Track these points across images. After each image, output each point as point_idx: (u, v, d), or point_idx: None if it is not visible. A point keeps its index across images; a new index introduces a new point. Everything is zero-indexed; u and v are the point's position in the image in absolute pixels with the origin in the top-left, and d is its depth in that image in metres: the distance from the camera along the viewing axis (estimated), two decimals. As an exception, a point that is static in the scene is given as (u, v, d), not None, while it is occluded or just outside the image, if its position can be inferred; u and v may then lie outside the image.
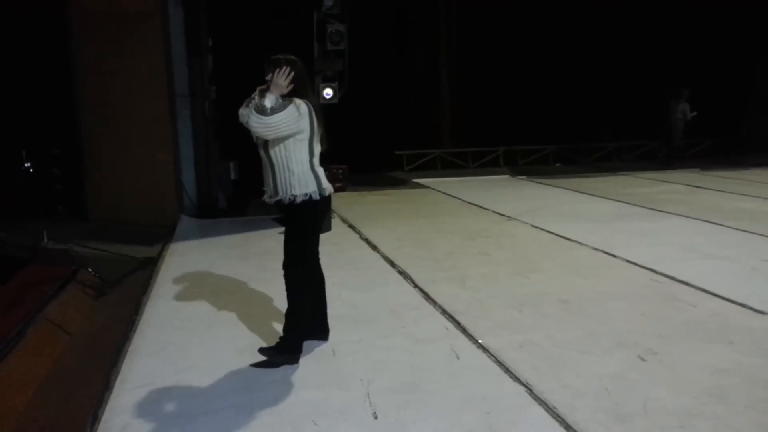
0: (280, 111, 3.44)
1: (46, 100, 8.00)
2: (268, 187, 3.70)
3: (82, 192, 8.15)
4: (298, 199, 3.58)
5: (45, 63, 8.04)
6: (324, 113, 3.78)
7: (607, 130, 14.51)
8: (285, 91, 3.50)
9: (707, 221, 7.55)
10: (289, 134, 3.52)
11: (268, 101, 3.43)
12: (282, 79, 3.46)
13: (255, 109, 3.42)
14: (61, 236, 6.48)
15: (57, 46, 7.91)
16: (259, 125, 3.43)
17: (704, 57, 13.98)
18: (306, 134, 3.58)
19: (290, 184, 3.58)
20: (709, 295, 4.80)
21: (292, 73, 3.49)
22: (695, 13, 13.51)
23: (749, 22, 13.70)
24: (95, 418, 3.11)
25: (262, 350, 3.74)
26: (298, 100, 3.54)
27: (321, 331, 4.02)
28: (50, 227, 6.51)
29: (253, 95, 3.63)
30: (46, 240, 6.24)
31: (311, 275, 3.85)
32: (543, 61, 13.54)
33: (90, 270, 5.56)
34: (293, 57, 3.64)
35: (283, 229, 3.80)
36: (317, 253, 3.91)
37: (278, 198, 3.64)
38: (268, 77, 3.55)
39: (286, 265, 3.71)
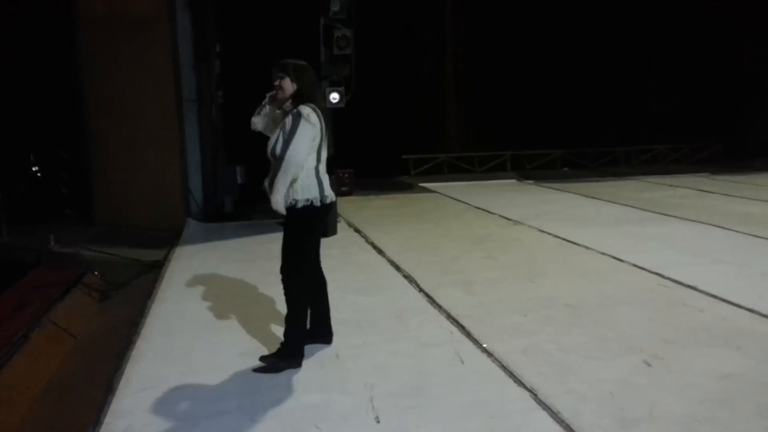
0: (297, 142, 3.43)
1: (53, 105, 8.05)
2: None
3: (89, 196, 8.19)
4: (299, 204, 3.56)
5: (53, 67, 8.10)
6: (332, 117, 3.77)
7: (614, 134, 14.45)
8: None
9: (715, 225, 7.49)
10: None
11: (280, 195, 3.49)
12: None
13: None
14: (67, 240, 6.50)
15: (64, 50, 7.96)
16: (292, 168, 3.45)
17: (712, 60, 13.94)
18: (316, 141, 3.56)
19: (293, 188, 3.56)
20: (717, 300, 4.76)
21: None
22: (703, 19, 13.46)
23: (758, 26, 13.63)
24: (98, 421, 3.12)
25: (263, 358, 3.74)
26: (306, 110, 3.49)
27: (325, 335, 4.01)
28: (57, 231, 6.54)
29: (263, 102, 3.67)
30: (52, 243, 6.26)
31: (311, 279, 3.82)
32: (550, 65, 13.52)
33: (96, 273, 5.58)
34: (303, 62, 3.63)
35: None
36: (318, 257, 3.90)
37: None
38: (276, 82, 3.55)
39: (284, 270, 3.68)
